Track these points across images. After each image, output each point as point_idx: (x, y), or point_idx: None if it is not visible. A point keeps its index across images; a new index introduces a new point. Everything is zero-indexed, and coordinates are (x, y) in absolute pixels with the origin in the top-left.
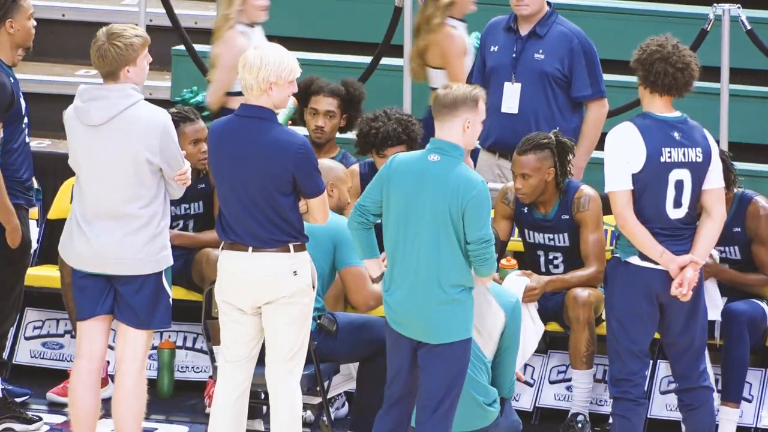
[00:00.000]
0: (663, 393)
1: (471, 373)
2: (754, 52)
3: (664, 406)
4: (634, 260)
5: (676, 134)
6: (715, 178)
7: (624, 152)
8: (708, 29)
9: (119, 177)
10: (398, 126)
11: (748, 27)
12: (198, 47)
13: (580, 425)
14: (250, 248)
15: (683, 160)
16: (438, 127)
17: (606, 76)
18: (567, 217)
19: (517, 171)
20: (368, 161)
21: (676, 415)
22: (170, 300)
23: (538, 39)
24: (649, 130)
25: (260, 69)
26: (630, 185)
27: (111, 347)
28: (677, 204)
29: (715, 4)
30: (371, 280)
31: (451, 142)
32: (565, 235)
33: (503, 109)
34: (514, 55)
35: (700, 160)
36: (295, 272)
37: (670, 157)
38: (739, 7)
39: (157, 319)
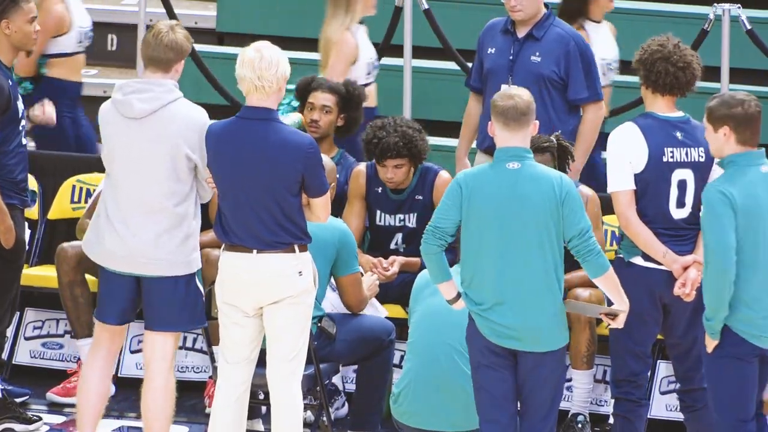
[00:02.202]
0: (663, 393)
1: (464, 370)
2: (754, 52)
3: (664, 406)
4: (638, 261)
5: (678, 134)
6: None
7: (626, 152)
8: (708, 29)
9: (157, 171)
10: (401, 140)
11: (748, 27)
12: (198, 47)
13: (580, 425)
14: (255, 250)
15: (686, 160)
16: (510, 135)
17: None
18: None
19: None
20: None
21: (676, 415)
22: (204, 299)
23: (534, 41)
24: (651, 130)
25: (278, 66)
26: (632, 185)
27: None
28: (680, 204)
29: (715, 4)
30: (447, 301)
31: (525, 148)
32: None
33: None
34: (510, 57)
35: (702, 159)
36: (300, 272)
37: (672, 157)
38: (739, 7)
39: (195, 321)
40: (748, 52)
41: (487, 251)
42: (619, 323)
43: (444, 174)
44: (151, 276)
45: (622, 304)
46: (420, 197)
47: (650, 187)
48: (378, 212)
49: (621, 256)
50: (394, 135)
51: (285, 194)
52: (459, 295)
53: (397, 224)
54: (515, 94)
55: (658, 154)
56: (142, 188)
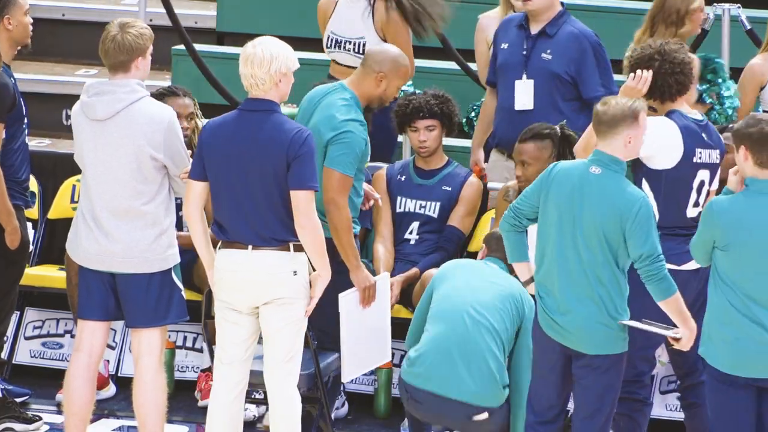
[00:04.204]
0: (663, 393)
1: (490, 346)
2: (754, 51)
3: (664, 406)
4: None
5: (704, 135)
6: (717, 180)
7: (653, 144)
8: (708, 29)
9: (123, 172)
10: (433, 99)
11: (748, 26)
12: (198, 47)
13: None
14: (250, 246)
15: (707, 162)
16: (600, 140)
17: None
18: None
19: (517, 158)
20: (397, 163)
21: (677, 415)
22: (182, 293)
23: (547, 38)
24: (687, 130)
25: (271, 62)
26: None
27: (110, 346)
28: (696, 204)
29: (715, 4)
30: (522, 282)
31: (612, 156)
32: None
33: (517, 107)
34: (524, 53)
35: (717, 161)
36: (295, 272)
37: (699, 158)
38: (739, 7)
39: (172, 314)
40: (748, 52)
41: (553, 246)
42: (683, 345)
43: (474, 179)
44: (125, 273)
45: (685, 327)
46: (449, 188)
47: (677, 185)
48: (399, 198)
49: None
50: (426, 96)
51: (280, 184)
52: (532, 279)
53: (418, 210)
54: (611, 100)
55: (691, 154)
56: (109, 189)
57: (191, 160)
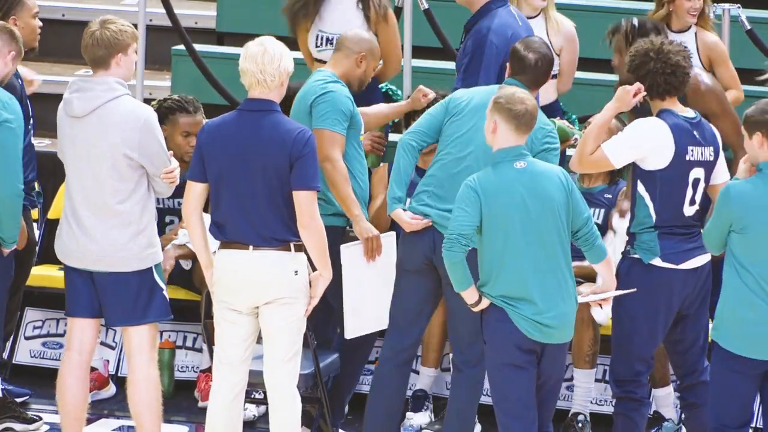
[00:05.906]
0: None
1: None
2: (754, 52)
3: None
4: (657, 262)
5: (696, 133)
6: (722, 172)
7: (645, 145)
8: None
9: (99, 169)
10: (439, 98)
11: (748, 27)
12: (198, 47)
13: (580, 425)
14: (251, 246)
15: (700, 159)
16: (518, 137)
17: (605, 76)
18: (609, 196)
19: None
20: None
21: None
22: (165, 293)
23: (466, 33)
24: (678, 129)
25: (281, 60)
26: (618, 164)
27: (110, 346)
28: (692, 202)
29: (715, 4)
30: (470, 305)
31: (524, 146)
32: (602, 211)
33: None
34: (460, 43)
35: (711, 158)
36: (296, 272)
37: (692, 156)
38: (739, 7)
39: (151, 314)
40: (748, 52)
41: (513, 250)
42: (608, 302)
43: None
44: (103, 272)
45: (611, 284)
46: None
47: (672, 184)
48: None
49: (637, 257)
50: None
51: (282, 184)
52: (481, 298)
53: None
54: (525, 98)
55: (683, 152)
56: (86, 186)
57: (173, 160)
